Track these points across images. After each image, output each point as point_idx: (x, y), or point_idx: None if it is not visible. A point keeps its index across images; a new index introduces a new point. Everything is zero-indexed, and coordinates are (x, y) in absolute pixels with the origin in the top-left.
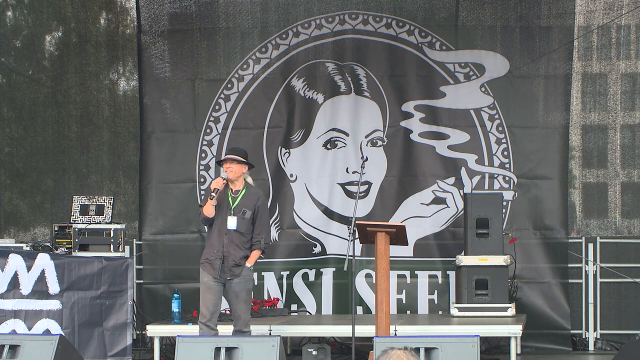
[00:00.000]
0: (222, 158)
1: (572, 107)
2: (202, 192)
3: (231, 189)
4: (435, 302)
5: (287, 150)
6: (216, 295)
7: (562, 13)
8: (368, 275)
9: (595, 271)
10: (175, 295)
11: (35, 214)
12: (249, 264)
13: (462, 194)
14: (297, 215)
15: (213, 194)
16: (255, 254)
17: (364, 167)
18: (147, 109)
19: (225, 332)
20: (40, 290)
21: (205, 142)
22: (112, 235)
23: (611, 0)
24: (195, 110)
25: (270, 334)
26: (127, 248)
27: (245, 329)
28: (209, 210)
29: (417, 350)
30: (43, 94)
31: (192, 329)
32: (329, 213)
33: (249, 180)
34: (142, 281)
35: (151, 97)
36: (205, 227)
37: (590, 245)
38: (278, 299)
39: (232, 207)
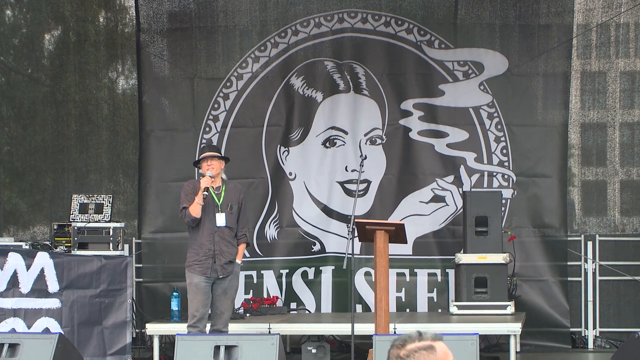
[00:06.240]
0: (202, 156)
1: (571, 105)
2: (183, 194)
3: (212, 186)
4: (435, 300)
5: (286, 149)
6: (206, 297)
7: (561, 11)
8: (367, 274)
9: (595, 269)
10: (175, 293)
11: (34, 212)
12: (239, 260)
13: (461, 192)
14: (296, 214)
15: (205, 192)
16: (242, 249)
17: (363, 166)
18: (146, 107)
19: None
20: (39, 289)
21: (204, 141)
22: (111, 233)
23: None
24: (194, 109)
25: (269, 332)
26: (126, 246)
27: (224, 328)
28: (196, 210)
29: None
30: (42, 93)
31: None
32: (328, 211)
33: (224, 175)
34: (141, 279)
35: (150, 96)
36: (189, 228)
37: (590, 243)
38: (277, 297)
39: (219, 204)
